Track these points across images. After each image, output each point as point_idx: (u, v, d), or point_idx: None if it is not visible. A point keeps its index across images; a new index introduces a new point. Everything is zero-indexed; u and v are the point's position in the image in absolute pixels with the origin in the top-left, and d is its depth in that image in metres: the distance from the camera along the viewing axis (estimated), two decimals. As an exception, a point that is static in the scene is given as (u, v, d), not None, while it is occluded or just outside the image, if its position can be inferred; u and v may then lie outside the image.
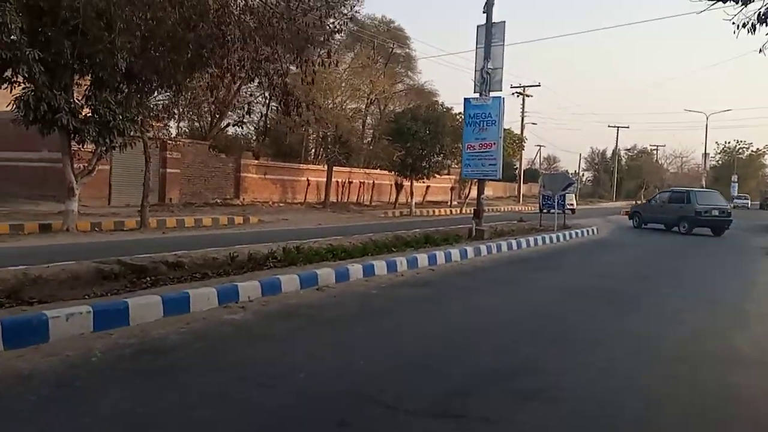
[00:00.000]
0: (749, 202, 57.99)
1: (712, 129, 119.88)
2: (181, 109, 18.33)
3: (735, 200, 57.55)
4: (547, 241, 16.49)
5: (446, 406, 4.13)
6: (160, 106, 18.16)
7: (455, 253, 11.81)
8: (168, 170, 26.32)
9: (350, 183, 35.92)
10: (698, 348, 6.10)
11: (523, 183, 55.41)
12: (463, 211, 36.14)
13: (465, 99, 16.88)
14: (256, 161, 31.63)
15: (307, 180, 32.98)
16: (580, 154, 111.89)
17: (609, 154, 75.96)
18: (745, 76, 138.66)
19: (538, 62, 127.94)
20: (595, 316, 7.49)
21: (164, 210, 22.36)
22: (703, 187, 54.22)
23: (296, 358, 5.01)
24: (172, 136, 26.74)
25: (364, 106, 37.64)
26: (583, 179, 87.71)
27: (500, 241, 14.47)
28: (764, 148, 78.56)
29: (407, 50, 44.24)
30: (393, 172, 30.84)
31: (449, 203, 39.74)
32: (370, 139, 37.19)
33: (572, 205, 34.78)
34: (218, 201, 28.11)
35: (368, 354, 5.26)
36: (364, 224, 21.94)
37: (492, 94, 16.26)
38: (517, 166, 54.91)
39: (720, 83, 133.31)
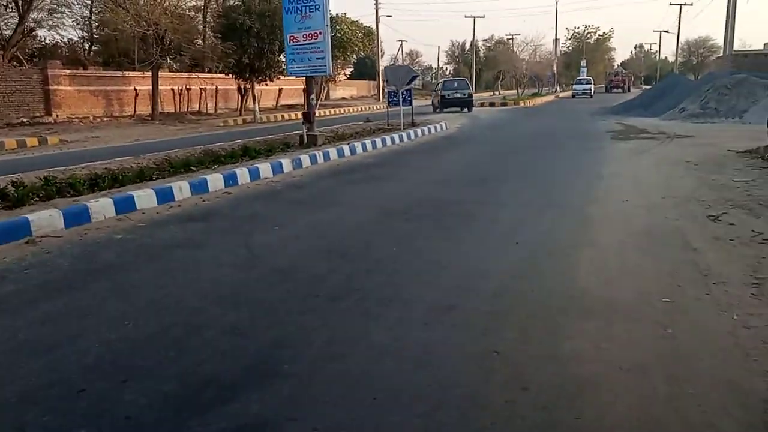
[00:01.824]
0: (592, 87, 49.92)
1: (563, 13, 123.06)
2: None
3: (575, 87, 50.89)
4: (389, 142, 14.74)
5: None
6: None
7: (265, 168, 9.68)
8: (-49, 87, 21.64)
9: (188, 90, 32.06)
10: (528, 286, 4.52)
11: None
12: (321, 114, 33.73)
13: (282, -20, 14.23)
14: (68, 71, 26.96)
15: (135, 90, 28.85)
16: (439, 47, 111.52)
17: (468, 46, 75.39)
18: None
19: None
20: (410, 244, 5.76)
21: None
22: (554, 74, 55.44)
23: None
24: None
25: (201, 3, 33.08)
26: (446, 72, 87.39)
27: (332, 148, 12.50)
28: (610, 32, 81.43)
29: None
30: (231, 76, 27.54)
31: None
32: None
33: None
34: (24, 120, 23.83)
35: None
36: (191, 137, 19.11)
37: (314, -28, 13.71)
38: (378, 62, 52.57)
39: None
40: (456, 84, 30.87)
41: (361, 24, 32.04)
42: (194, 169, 9.97)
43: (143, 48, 25.95)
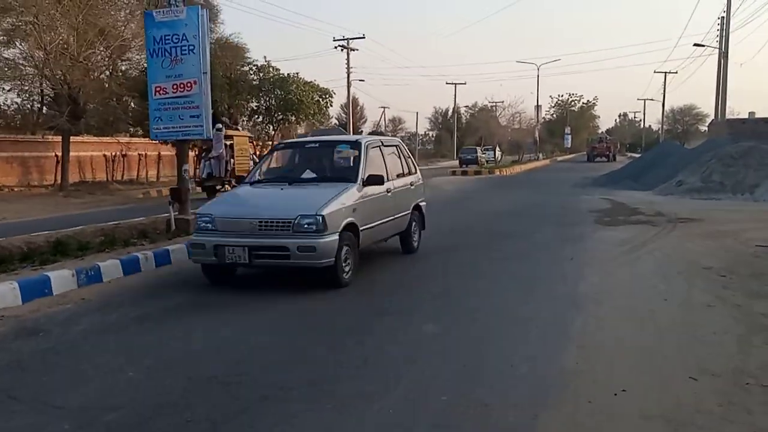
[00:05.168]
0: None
1: (544, 77, 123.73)
2: None
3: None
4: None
5: None
6: None
7: (4, 293, 5.66)
8: None
9: (124, 156, 28.37)
10: None
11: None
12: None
13: (146, 13, 10.69)
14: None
15: (56, 156, 25.16)
16: (417, 113, 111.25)
17: (450, 112, 73.48)
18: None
19: (363, 13, 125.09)
20: None
21: None
22: (536, 141, 53.46)
23: None
24: None
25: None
26: (432, 138, 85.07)
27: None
28: (594, 99, 79.53)
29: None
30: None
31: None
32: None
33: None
34: None
35: None
36: (69, 215, 15.14)
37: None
38: (360, 129, 49.58)
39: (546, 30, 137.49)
40: (468, 150, 46.88)
41: (317, 85, 28.62)
42: None
43: (54, 109, 22.12)
